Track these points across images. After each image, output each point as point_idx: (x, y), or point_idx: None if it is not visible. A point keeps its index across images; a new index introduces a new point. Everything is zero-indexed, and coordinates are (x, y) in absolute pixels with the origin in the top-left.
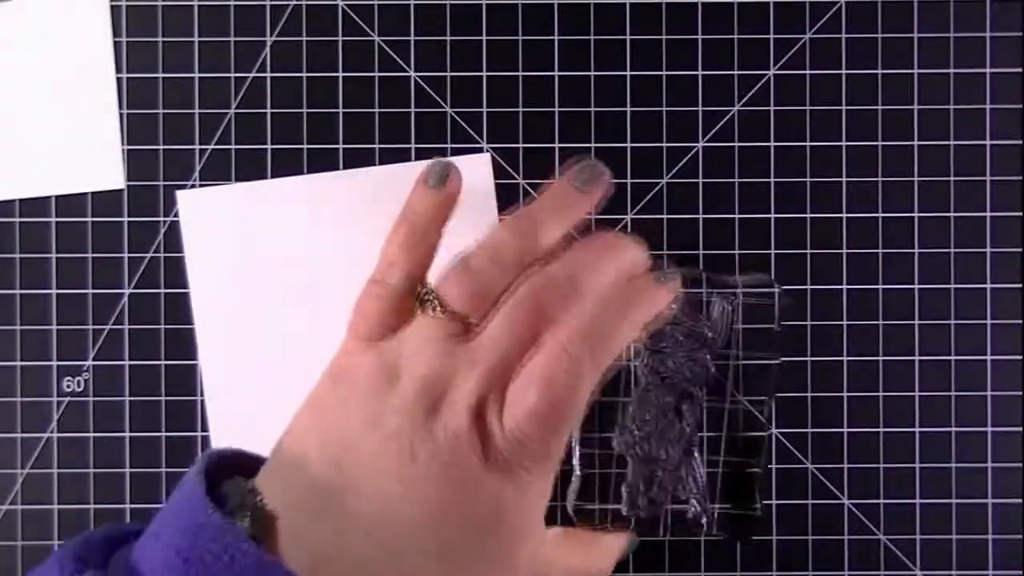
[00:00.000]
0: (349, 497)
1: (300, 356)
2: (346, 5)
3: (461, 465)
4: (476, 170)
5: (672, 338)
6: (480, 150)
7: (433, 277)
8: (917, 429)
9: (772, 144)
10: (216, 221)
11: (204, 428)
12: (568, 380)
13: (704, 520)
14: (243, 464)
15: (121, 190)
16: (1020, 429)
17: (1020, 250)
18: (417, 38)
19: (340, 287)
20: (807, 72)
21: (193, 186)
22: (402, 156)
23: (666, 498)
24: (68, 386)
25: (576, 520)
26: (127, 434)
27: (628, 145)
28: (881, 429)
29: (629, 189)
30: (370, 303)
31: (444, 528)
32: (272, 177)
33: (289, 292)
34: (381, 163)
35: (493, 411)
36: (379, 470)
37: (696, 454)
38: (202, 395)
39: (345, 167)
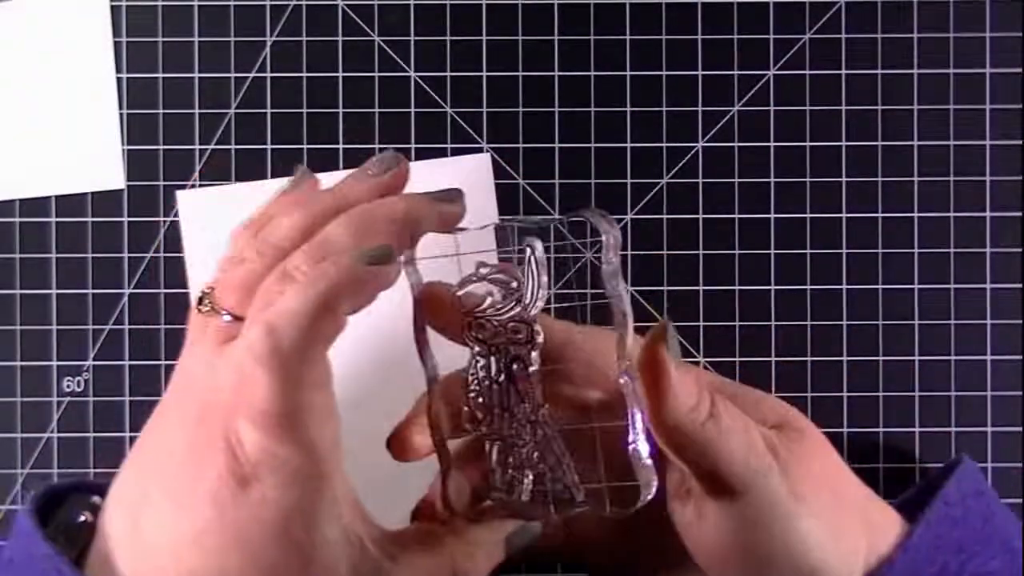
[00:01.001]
0: (146, 514)
1: None
2: (346, 5)
3: (223, 485)
4: (476, 170)
5: (486, 298)
6: (480, 150)
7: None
8: (917, 429)
9: (772, 144)
10: (216, 221)
11: None
12: (259, 390)
13: (573, 495)
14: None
15: (121, 190)
16: (1020, 429)
17: (1020, 250)
18: (417, 38)
19: None
20: (807, 72)
21: (193, 186)
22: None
23: (523, 476)
24: (68, 386)
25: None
26: (127, 434)
27: (628, 145)
28: (881, 429)
29: (629, 189)
30: (191, 312)
31: (218, 550)
32: (272, 177)
33: None
34: None
35: (241, 420)
36: (165, 487)
37: (545, 421)
38: None
39: (345, 167)
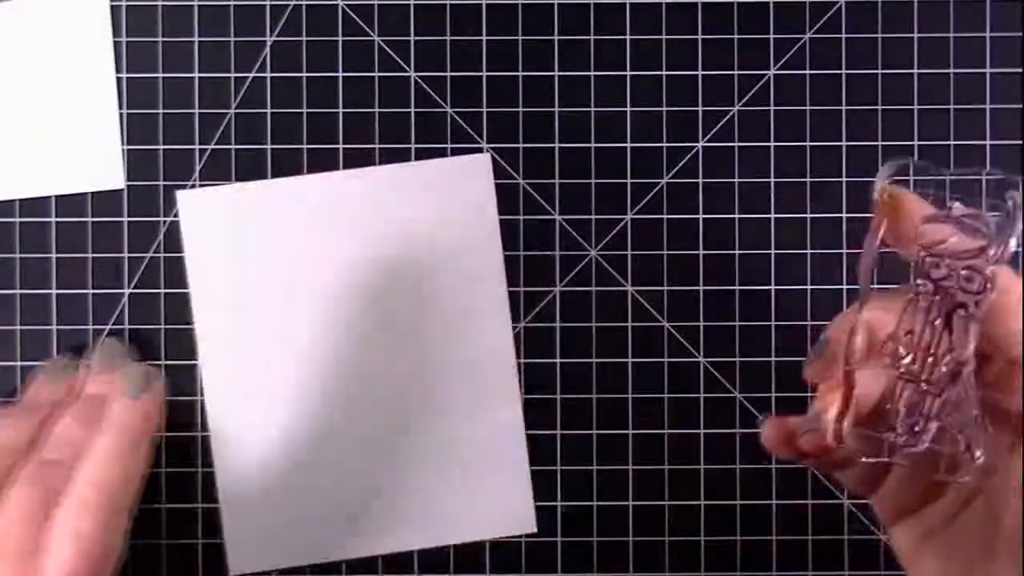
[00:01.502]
0: None
1: (300, 356)
2: (346, 5)
3: None
4: (476, 170)
5: (950, 238)
6: (480, 150)
7: None
8: None
9: (772, 144)
10: (216, 221)
11: (204, 428)
12: (93, 536)
13: (972, 458)
14: None
15: (121, 190)
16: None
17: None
18: (417, 38)
19: (340, 287)
20: (807, 72)
21: (193, 186)
22: (402, 156)
23: (925, 428)
24: None
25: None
26: None
27: (628, 145)
28: None
29: (629, 189)
30: None
31: None
32: (272, 177)
33: (289, 292)
34: (381, 163)
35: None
36: None
37: (969, 378)
38: (202, 395)
39: (345, 167)
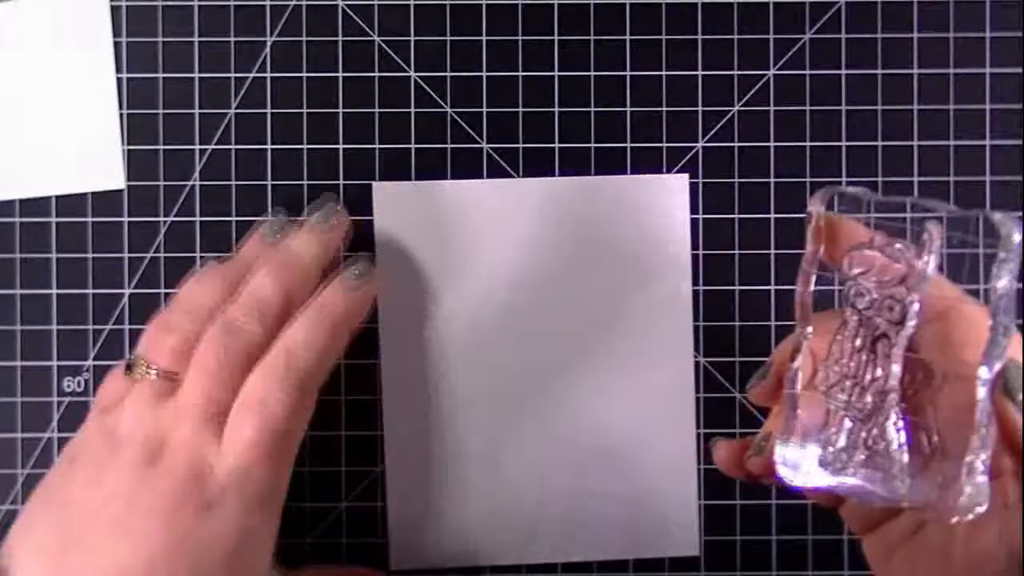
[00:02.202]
0: (72, 555)
1: (479, 357)
2: (346, 5)
3: (182, 510)
4: (673, 190)
5: (868, 269)
6: (480, 150)
7: None
8: None
9: (772, 144)
10: (405, 215)
11: (380, 428)
12: (280, 406)
13: (897, 488)
14: None
15: (121, 190)
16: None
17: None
18: (417, 38)
19: (523, 292)
20: (807, 72)
21: (193, 186)
22: (402, 155)
23: (853, 455)
24: (68, 386)
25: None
26: None
27: (628, 145)
28: None
29: None
30: (102, 387)
31: (156, 568)
32: (272, 179)
33: (473, 292)
34: (381, 163)
35: (210, 452)
36: (102, 524)
37: (893, 408)
38: (380, 394)
39: (345, 166)
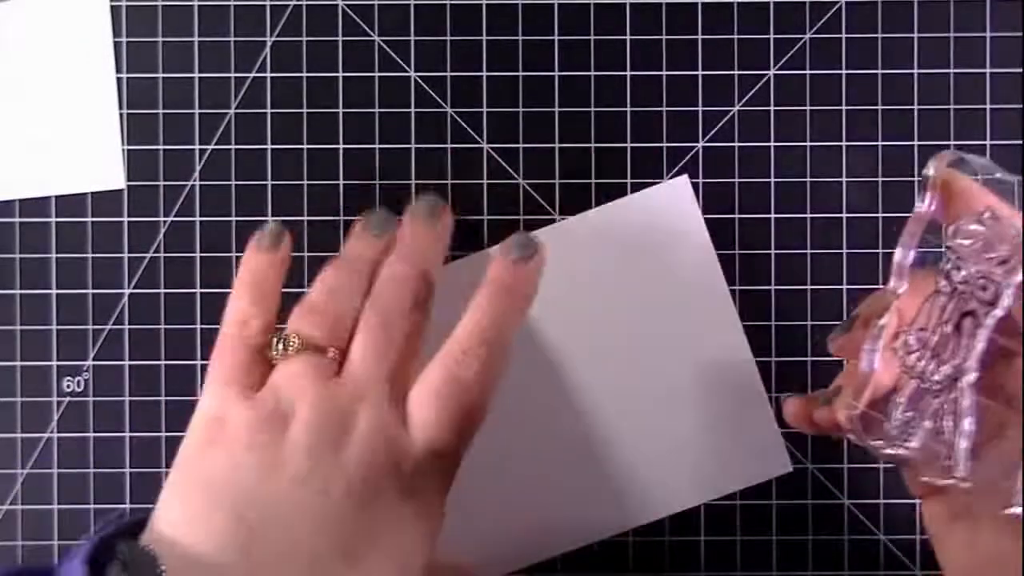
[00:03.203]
0: (256, 549)
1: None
2: (346, 5)
3: (382, 498)
4: (676, 197)
5: (971, 242)
6: (480, 150)
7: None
8: None
9: (772, 144)
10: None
11: None
12: (471, 381)
13: (952, 469)
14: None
15: (121, 190)
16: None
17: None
18: (417, 38)
19: (560, 330)
20: (807, 72)
21: (193, 186)
22: (402, 156)
23: (920, 426)
24: (68, 386)
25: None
26: (127, 434)
27: (628, 145)
28: None
29: (629, 189)
30: (232, 356)
31: (360, 558)
32: (272, 179)
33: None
34: (381, 163)
35: (401, 435)
36: (289, 514)
37: (967, 387)
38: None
39: (345, 167)
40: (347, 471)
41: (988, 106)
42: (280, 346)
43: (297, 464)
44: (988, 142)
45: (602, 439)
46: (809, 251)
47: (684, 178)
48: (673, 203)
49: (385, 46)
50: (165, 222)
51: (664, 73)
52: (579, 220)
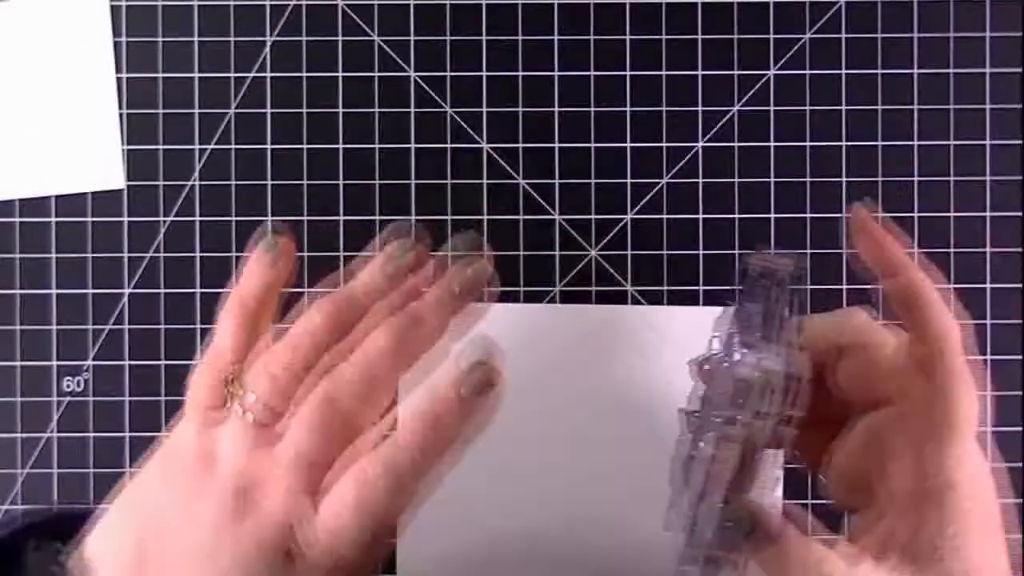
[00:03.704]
0: (148, 573)
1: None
2: (346, 5)
3: (268, 560)
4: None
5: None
6: (480, 150)
7: None
8: None
9: (772, 144)
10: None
11: None
12: (379, 500)
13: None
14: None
15: (121, 190)
16: (1020, 429)
17: (1020, 250)
18: (417, 38)
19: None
20: (807, 72)
21: (193, 186)
22: (402, 156)
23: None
24: (68, 386)
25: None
26: (127, 434)
27: (628, 145)
28: None
29: (629, 189)
30: (200, 384)
31: None
32: (272, 179)
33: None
34: (381, 163)
35: (305, 511)
36: (185, 551)
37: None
38: None
39: (345, 167)
40: (243, 527)
41: (988, 106)
42: (238, 391)
43: (204, 509)
44: (988, 142)
45: (585, 520)
46: (809, 251)
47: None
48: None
49: (385, 46)
50: (165, 222)
51: (664, 73)
52: (585, 311)
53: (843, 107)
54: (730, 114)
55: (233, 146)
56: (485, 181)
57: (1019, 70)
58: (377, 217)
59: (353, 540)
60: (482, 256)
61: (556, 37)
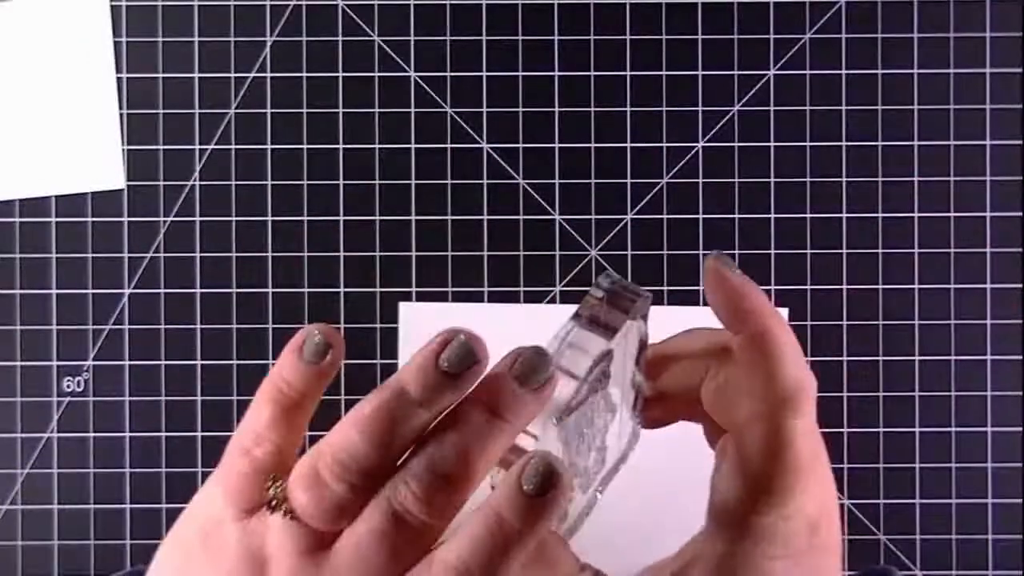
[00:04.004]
0: None
1: None
2: (346, 5)
3: None
4: None
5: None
6: (480, 150)
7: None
8: (917, 429)
9: (772, 144)
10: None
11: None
12: None
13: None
14: None
15: (121, 190)
16: (1020, 429)
17: (1020, 250)
18: (417, 38)
19: None
20: (807, 72)
21: (193, 186)
22: (402, 156)
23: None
24: (68, 386)
25: None
26: (127, 434)
27: (628, 145)
28: (881, 429)
29: (629, 189)
30: (237, 476)
31: None
32: (272, 179)
33: None
34: (381, 163)
35: None
36: None
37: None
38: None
39: (345, 167)
40: None
41: (988, 106)
42: (275, 492)
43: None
44: (988, 142)
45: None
46: (809, 251)
47: None
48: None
49: (385, 46)
50: (165, 222)
51: (664, 73)
52: None
53: (843, 107)
54: (730, 114)
55: (233, 146)
56: (485, 181)
57: (1019, 70)
58: (377, 217)
59: None
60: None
61: (556, 37)
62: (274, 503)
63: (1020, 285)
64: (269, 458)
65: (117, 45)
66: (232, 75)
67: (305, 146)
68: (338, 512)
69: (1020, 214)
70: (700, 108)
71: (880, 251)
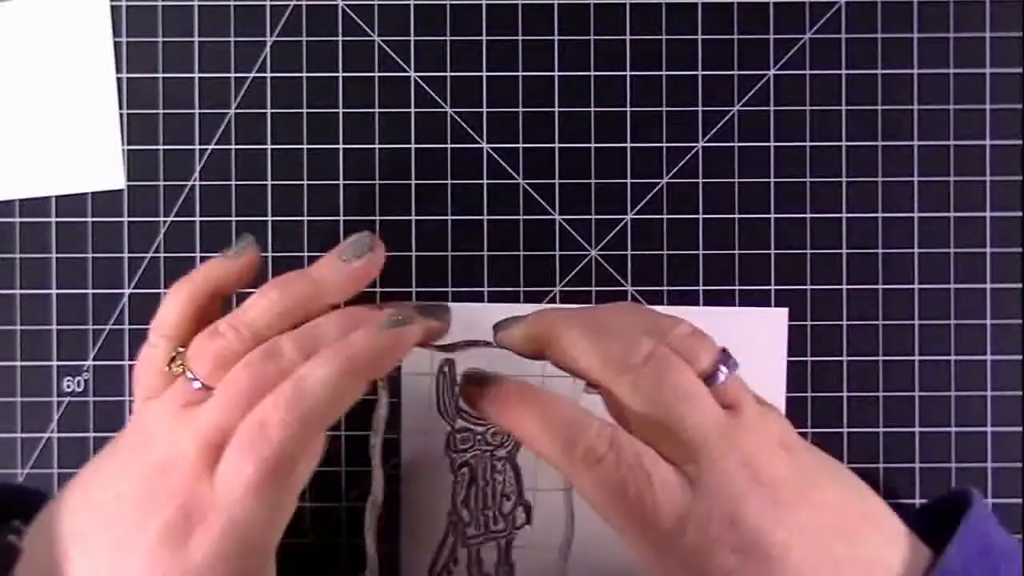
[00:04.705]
0: (75, 550)
1: None
2: (346, 5)
3: (168, 541)
4: (769, 326)
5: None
6: (480, 150)
7: None
8: (917, 429)
9: (772, 144)
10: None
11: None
12: (275, 437)
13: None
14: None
15: (121, 190)
16: (1020, 429)
17: (1020, 250)
18: (417, 38)
19: None
20: (807, 72)
21: (193, 186)
22: (403, 156)
23: None
24: (68, 386)
25: None
26: None
27: (628, 145)
28: (881, 429)
29: (629, 189)
30: (142, 363)
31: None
32: (272, 179)
33: None
34: (381, 163)
35: (203, 483)
36: (107, 529)
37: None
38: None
39: (345, 167)
40: (153, 505)
41: (988, 106)
42: (169, 365)
43: (126, 484)
44: (988, 142)
45: (583, 517)
46: (809, 251)
47: (783, 311)
48: (763, 332)
49: (385, 46)
50: (165, 222)
51: (664, 73)
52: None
53: (843, 107)
54: (730, 114)
55: (233, 146)
56: (485, 181)
57: (1019, 70)
58: (377, 217)
59: (251, 494)
60: (444, 308)
61: (556, 37)
62: (172, 362)
63: (1020, 285)
64: (174, 344)
65: (117, 45)
66: (232, 75)
67: (305, 146)
68: (225, 361)
69: (1020, 214)
70: (700, 108)
71: (880, 251)
